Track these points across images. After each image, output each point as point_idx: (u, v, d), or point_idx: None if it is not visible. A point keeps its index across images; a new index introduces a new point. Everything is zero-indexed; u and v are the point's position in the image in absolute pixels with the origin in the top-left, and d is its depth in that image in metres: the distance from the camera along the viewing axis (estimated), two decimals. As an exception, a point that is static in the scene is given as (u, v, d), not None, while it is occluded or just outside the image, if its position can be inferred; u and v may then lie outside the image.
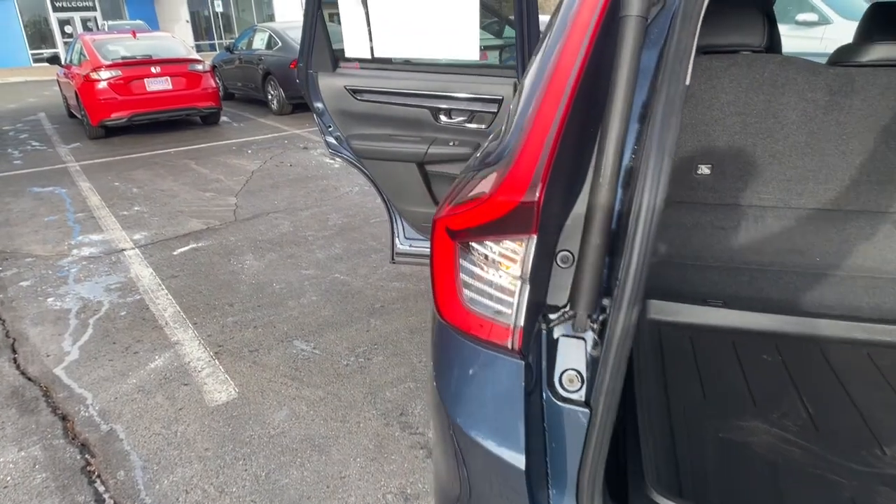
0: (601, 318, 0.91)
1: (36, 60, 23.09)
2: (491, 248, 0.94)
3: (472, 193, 0.97)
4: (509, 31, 4.43)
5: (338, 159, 2.80)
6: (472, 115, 2.49)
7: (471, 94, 2.45)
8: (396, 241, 2.93)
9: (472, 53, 2.41)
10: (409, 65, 2.58)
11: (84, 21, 23.99)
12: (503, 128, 1.11)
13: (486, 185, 0.94)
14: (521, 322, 0.92)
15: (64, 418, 2.43)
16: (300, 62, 2.57)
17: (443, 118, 2.53)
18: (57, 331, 3.14)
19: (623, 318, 0.81)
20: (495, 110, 2.44)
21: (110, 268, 3.92)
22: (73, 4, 23.77)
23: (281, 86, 9.08)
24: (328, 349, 2.84)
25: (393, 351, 2.80)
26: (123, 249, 4.23)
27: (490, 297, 0.96)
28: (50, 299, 3.51)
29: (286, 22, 10.57)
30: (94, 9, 24.15)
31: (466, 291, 0.98)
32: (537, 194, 0.87)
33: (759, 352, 1.40)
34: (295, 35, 9.29)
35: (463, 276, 0.98)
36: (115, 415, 2.42)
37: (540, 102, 0.89)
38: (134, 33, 8.76)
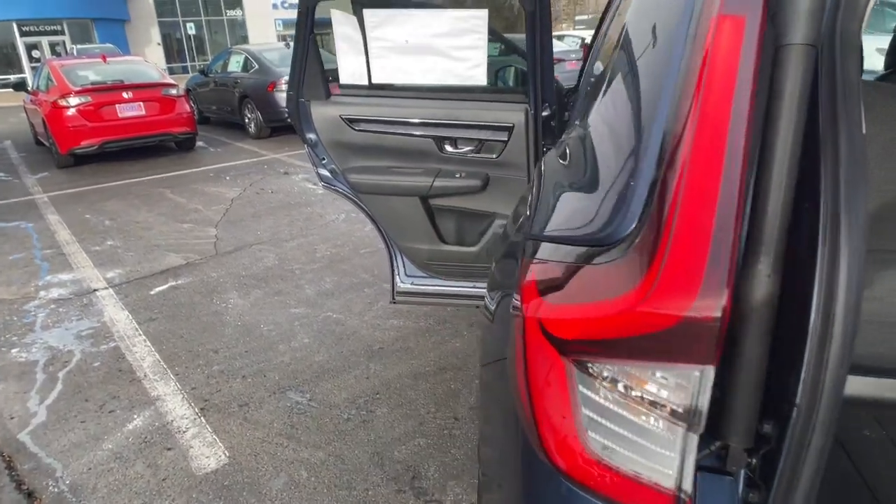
0: (763, 450, 0.67)
1: (2, 86, 22.44)
2: (629, 375, 0.66)
3: (584, 281, 0.69)
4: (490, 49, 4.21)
5: (322, 186, 2.59)
6: (480, 145, 2.31)
7: (478, 122, 2.27)
8: (397, 279, 2.72)
9: (478, 77, 2.23)
10: (409, 91, 2.39)
11: (52, 45, 23.46)
12: (583, 163, 0.88)
13: (613, 272, 0.66)
14: (689, 486, 0.66)
15: (30, 495, 2.15)
16: (290, 90, 2.37)
17: (448, 148, 2.35)
18: (22, 387, 2.84)
19: (815, 460, 0.59)
20: (505, 138, 2.26)
21: (82, 311, 3.62)
22: (41, 29, 23.24)
23: (258, 109, 8.84)
24: (326, 401, 2.60)
25: (397, 401, 2.57)
26: (96, 290, 3.93)
27: (634, 446, 0.67)
28: (14, 350, 3.20)
29: (262, 44, 10.37)
30: (62, 33, 23.64)
31: (593, 434, 0.69)
32: (722, 304, 0.58)
33: (858, 426, 1.21)
34: (272, 57, 9.08)
35: (585, 411, 0.69)
36: (88, 490, 2.14)
37: (690, 153, 0.63)
38: (104, 57, 8.46)
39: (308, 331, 3.22)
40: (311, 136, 2.42)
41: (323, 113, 2.36)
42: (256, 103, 8.84)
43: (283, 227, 4.98)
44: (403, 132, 2.33)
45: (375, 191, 2.41)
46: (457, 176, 2.34)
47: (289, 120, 2.46)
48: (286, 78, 8.52)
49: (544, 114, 2.26)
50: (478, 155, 2.33)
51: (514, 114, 2.23)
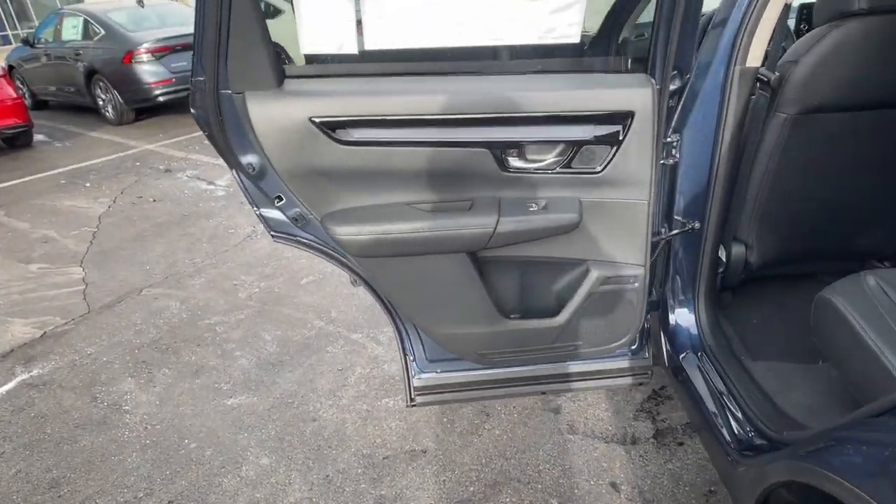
0: None
1: None
2: None
3: None
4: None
5: (274, 239, 1.48)
6: (573, 150, 1.31)
7: (572, 111, 1.26)
8: (413, 367, 1.71)
9: (567, 31, 1.22)
10: (439, 63, 1.32)
11: None
12: None
13: None
14: None
15: None
16: (196, 74, 1.22)
17: (514, 161, 1.33)
18: None
19: None
20: (618, 136, 1.28)
21: None
22: None
23: (115, 87, 6.99)
24: (331, 591, 1.57)
25: (449, 569, 1.60)
26: None
27: None
28: None
29: (106, 3, 8.26)
30: None
31: None
32: None
33: None
34: (122, 19, 7.20)
35: None
36: None
37: None
38: None
39: (263, 440, 2.11)
40: (252, 158, 1.30)
41: (274, 114, 1.23)
42: (111, 80, 6.97)
43: (181, 254, 3.66)
44: (432, 139, 1.27)
45: (389, 251, 1.35)
46: (531, 208, 1.34)
47: (199, 128, 1.30)
48: (148, 45, 6.77)
49: (672, 87, 1.32)
50: (567, 170, 1.33)
51: (631, 92, 1.26)
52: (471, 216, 1.31)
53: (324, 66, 1.26)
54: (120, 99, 7.03)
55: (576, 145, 1.29)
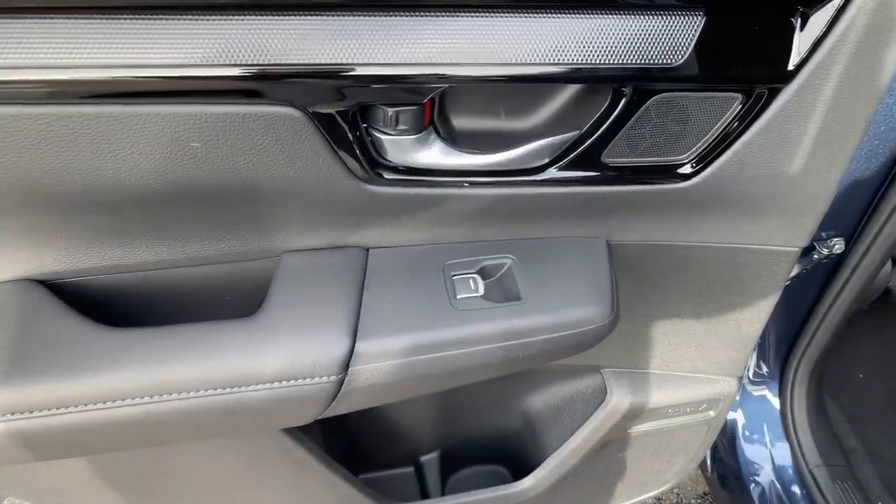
0: None
1: None
2: None
3: None
4: None
5: None
6: (614, 110, 0.43)
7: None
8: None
9: None
10: None
11: None
12: None
13: None
14: None
15: None
16: None
17: (406, 148, 0.42)
18: None
19: None
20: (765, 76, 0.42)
21: None
22: None
23: None
24: None
25: None
26: None
27: None
28: None
29: None
30: None
31: None
32: None
33: None
34: None
35: None
36: None
37: None
38: None
39: None
40: None
41: None
42: None
43: None
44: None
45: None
46: (465, 292, 0.46)
47: None
48: None
49: None
50: (579, 172, 0.43)
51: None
52: (263, 332, 0.41)
53: None
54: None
55: (623, 97, 0.38)
